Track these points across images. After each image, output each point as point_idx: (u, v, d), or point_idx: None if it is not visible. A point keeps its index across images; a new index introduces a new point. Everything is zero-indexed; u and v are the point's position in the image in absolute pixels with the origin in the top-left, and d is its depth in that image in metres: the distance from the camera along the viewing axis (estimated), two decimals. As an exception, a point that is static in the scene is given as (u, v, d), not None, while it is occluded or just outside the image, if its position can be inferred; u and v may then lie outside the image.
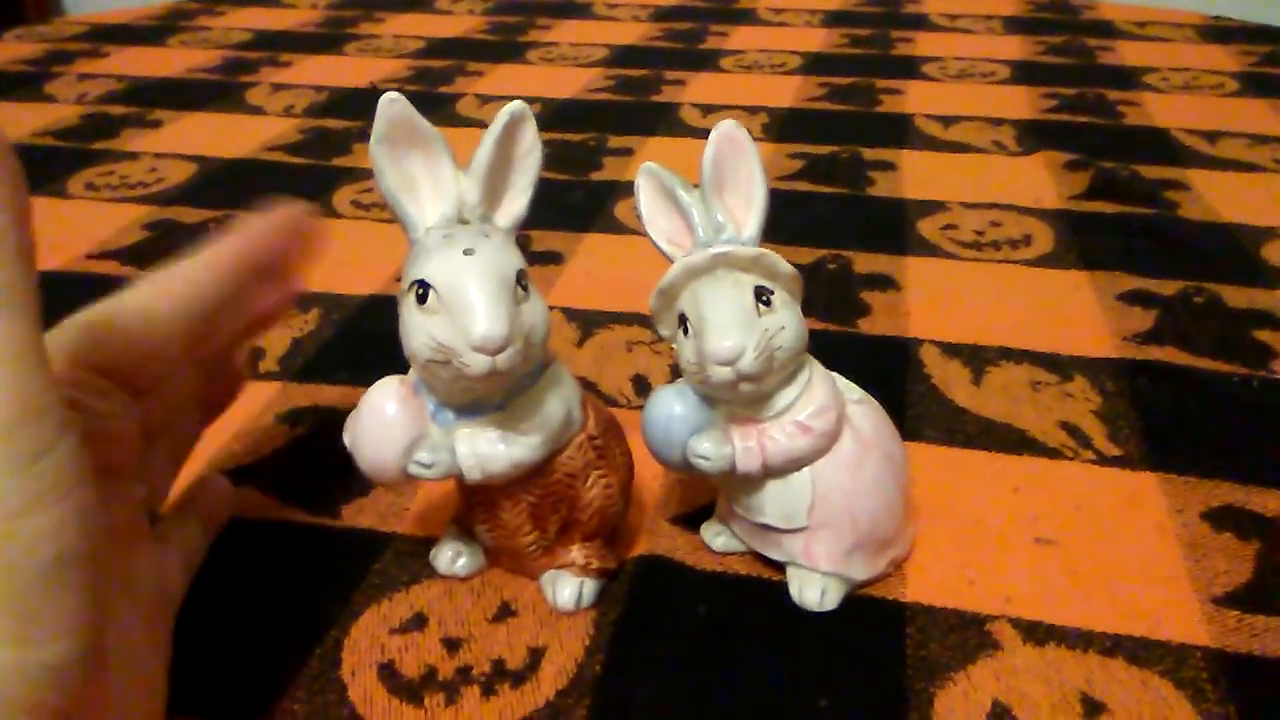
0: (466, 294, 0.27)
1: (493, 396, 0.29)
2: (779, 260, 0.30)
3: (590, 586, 0.33)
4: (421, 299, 0.27)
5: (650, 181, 0.32)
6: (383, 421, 0.30)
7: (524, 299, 0.28)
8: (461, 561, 0.34)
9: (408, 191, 0.29)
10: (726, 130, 0.31)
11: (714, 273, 0.30)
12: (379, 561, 0.35)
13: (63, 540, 0.20)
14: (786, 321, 0.29)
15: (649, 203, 0.32)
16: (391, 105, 0.28)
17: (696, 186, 0.31)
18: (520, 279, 0.28)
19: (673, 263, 0.31)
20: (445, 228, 0.29)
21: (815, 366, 0.31)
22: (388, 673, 0.31)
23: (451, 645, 0.32)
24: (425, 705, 0.30)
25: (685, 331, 0.30)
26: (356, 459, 0.30)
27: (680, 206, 0.31)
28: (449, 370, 0.27)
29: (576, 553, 0.33)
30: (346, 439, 0.31)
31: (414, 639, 0.32)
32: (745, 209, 0.31)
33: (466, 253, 0.27)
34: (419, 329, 0.27)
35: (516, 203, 0.30)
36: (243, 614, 0.33)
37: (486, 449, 0.29)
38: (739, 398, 0.30)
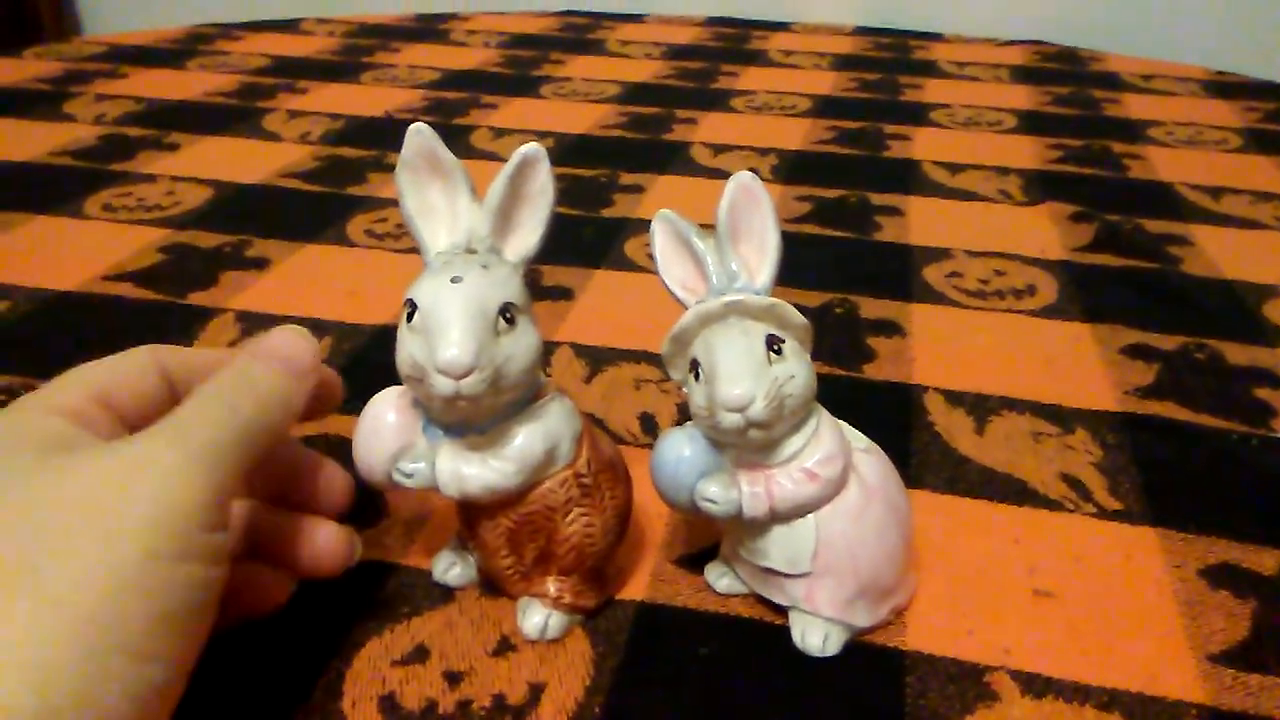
0: (440, 318, 0.28)
1: (474, 420, 0.30)
2: (791, 310, 0.31)
3: (557, 620, 0.33)
4: (409, 317, 0.29)
5: (665, 228, 0.33)
6: (378, 427, 0.32)
7: (506, 331, 0.29)
8: (454, 571, 0.35)
9: (424, 217, 0.31)
10: (743, 181, 0.31)
11: (726, 320, 0.31)
12: (382, 593, 0.35)
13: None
14: (796, 370, 0.30)
15: (664, 249, 0.33)
16: (416, 136, 0.30)
17: (707, 227, 0.32)
18: (506, 311, 0.29)
19: (686, 309, 0.32)
20: (451, 254, 0.30)
21: (823, 415, 0.32)
22: (389, 705, 0.31)
23: (452, 678, 0.32)
24: (427, 739, 0.30)
25: (697, 377, 0.31)
26: (353, 459, 0.32)
27: (695, 253, 0.32)
28: (422, 388, 0.29)
29: (550, 584, 0.33)
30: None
31: (415, 671, 0.32)
32: (759, 258, 0.31)
33: (454, 280, 0.29)
34: (403, 345, 0.29)
35: (527, 239, 0.31)
36: (244, 644, 0.33)
37: (464, 469, 0.30)
38: (748, 444, 0.30)
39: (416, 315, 0.28)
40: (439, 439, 0.31)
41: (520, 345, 0.29)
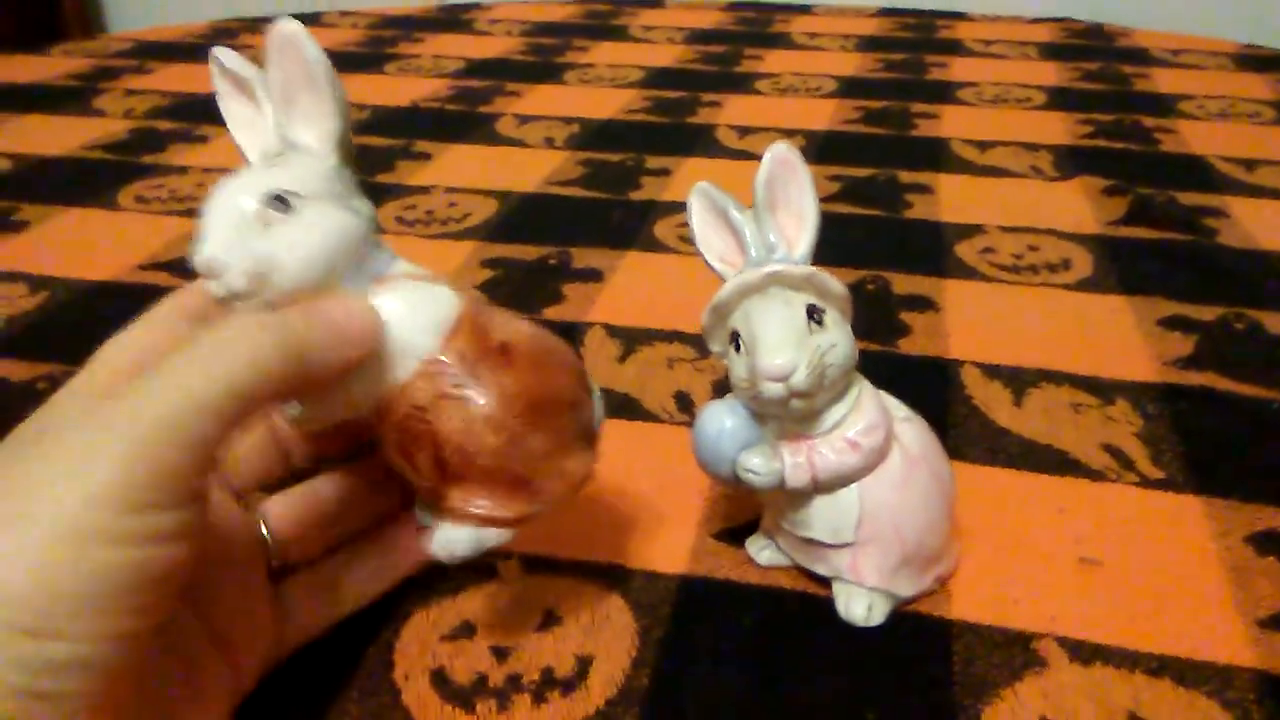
0: (202, 225, 0.27)
1: None
2: (831, 279, 0.31)
3: (463, 536, 0.28)
4: None
5: (703, 201, 0.33)
6: None
7: (279, 220, 0.26)
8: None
9: (244, 132, 0.30)
10: (779, 152, 0.31)
11: (767, 291, 0.31)
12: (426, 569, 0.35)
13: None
14: (837, 339, 0.30)
15: (701, 222, 0.33)
16: (214, 61, 0.30)
17: (748, 206, 0.32)
18: (275, 200, 0.27)
19: (725, 281, 0.31)
20: (261, 161, 0.29)
21: (864, 384, 0.32)
22: (440, 678, 0.31)
23: (500, 653, 0.32)
24: (477, 712, 0.30)
25: (737, 348, 0.31)
26: None
27: (733, 225, 0.32)
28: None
29: (453, 493, 0.28)
30: None
31: (463, 646, 0.32)
32: (797, 228, 0.31)
33: (221, 188, 0.27)
34: None
35: (325, 124, 0.29)
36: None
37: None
38: (790, 414, 0.30)
39: None
40: None
41: (300, 233, 0.27)
